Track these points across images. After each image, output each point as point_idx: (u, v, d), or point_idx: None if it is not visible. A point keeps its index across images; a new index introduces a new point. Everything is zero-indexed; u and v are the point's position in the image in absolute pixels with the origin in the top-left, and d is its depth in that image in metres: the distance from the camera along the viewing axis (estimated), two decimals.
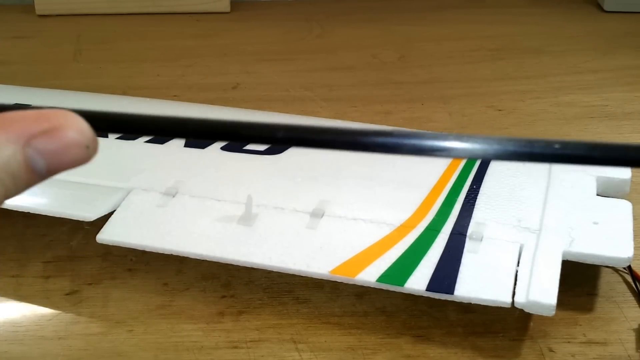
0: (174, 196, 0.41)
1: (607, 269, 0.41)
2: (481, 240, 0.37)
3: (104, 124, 0.20)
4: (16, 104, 0.19)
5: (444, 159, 0.19)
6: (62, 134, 0.19)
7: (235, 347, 0.36)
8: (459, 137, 0.19)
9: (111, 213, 0.40)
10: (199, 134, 0.20)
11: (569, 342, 0.36)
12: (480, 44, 0.73)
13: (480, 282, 0.34)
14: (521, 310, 0.34)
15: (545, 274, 0.35)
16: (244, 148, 0.46)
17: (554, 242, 0.37)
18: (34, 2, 0.81)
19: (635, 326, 0.37)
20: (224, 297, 0.39)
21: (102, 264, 0.42)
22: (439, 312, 0.38)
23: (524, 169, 0.43)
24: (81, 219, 0.39)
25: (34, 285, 0.40)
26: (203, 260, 0.38)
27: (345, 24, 0.79)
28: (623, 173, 0.42)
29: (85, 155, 0.19)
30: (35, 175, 0.19)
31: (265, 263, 0.37)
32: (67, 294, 0.40)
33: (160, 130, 0.20)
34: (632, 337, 0.36)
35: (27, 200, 0.41)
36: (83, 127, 0.19)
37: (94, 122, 0.19)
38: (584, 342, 0.36)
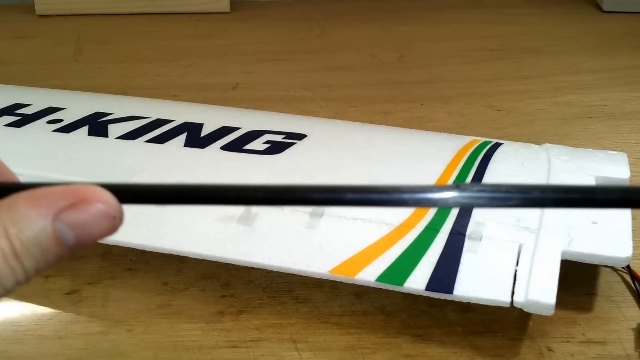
0: None
1: (606, 268, 0.41)
2: (480, 239, 0.37)
3: (129, 195, 0.20)
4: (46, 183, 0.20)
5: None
6: (90, 206, 0.19)
7: (235, 347, 0.36)
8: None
9: None
10: (226, 201, 0.20)
11: (568, 341, 0.36)
12: (479, 44, 0.73)
13: (479, 281, 0.35)
14: (520, 310, 0.34)
15: (544, 274, 0.35)
16: (244, 148, 0.46)
17: (553, 241, 0.37)
18: (34, 2, 0.81)
19: (634, 325, 0.37)
20: (223, 296, 0.40)
21: (101, 263, 0.42)
22: (438, 312, 0.38)
23: (523, 169, 0.43)
24: None
25: (34, 284, 0.41)
26: (203, 259, 0.38)
27: (345, 24, 0.79)
28: (622, 173, 0.42)
29: (112, 225, 0.20)
30: (64, 247, 0.20)
31: (264, 262, 0.37)
32: (66, 294, 0.40)
33: (183, 198, 0.21)
34: (631, 336, 0.37)
35: None
36: (109, 199, 0.20)
37: (119, 194, 0.20)
38: (583, 342, 0.36)
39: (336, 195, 0.20)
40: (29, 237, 0.19)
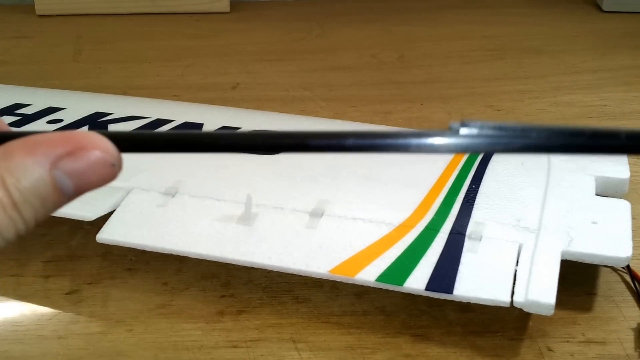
0: (173, 196, 0.41)
1: (606, 268, 0.41)
2: (480, 239, 0.37)
3: (127, 143, 0.20)
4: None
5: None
6: (88, 153, 0.19)
7: (235, 347, 0.36)
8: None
9: (111, 213, 0.40)
10: (219, 147, 0.20)
11: (567, 341, 0.36)
12: (479, 44, 0.73)
13: (479, 281, 0.35)
14: (520, 310, 0.34)
15: (544, 274, 0.35)
16: None
17: (552, 241, 0.37)
18: (34, 2, 0.81)
19: (634, 325, 0.37)
20: (223, 296, 0.40)
21: (101, 263, 0.42)
22: (438, 312, 0.38)
23: (523, 169, 0.43)
24: (81, 219, 0.39)
25: (34, 284, 0.41)
26: (203, 259, 0.38)
27: (345, 24, 0.79)
28: (622, 173, 0.42)
29: (111, 173, 0.19)
30: (63, 195, 0.19)
31: (264, 262, 0.37)
32: (67, 294, 0.40)
33: (181, 146, 0.21)
34: (631, 336, 0.37)
35: None
36: (107, 146, 0.19)
37: (117, 142, 0.20)
38: (582, 342, 0.36)
39: (336, 141, 0.20)
40: (27, 187, 0.18)
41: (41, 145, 0.19)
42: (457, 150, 0.19)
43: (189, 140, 0.20)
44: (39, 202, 0.19)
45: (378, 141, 0.19)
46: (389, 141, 0.19)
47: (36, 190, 0.19)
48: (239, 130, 0.17)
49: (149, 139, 0.20)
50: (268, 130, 0.20)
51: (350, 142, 0.20)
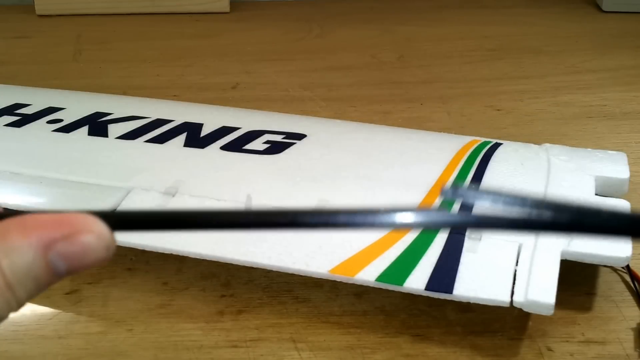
0: (173, 196, 0.41)
1: (605, 268, 0.41)
2: (480, 239, 0.37)
3: (121, 223, 0.20)
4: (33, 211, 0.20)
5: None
6: (82, 238, 0.19)
7: (235, 346, 0.36)
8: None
9: None
10: (211, 226, 0.20)
11: (567, 341, 0.36)
12: (479, 44, 0.73)
13: (479, 281, 0.35)
14: (520, 310, 0.34)
15: (544, 273, 0.35)
16: (244, 148, 0.46)
17: (552, 241, 0.37)
18: (34, 2, 0.81)
19: (634, 325, 0.37)
20: (223, 296, 0.40)
21: None
22: (438, 311, 0.38)
23: (523, 169, 0.43)
24: None
25: None
26: (202, 259, 0.38)
27: (345, 24, 0.79)
28: (622, 173, 0.42)
29: (105, 256, 0.20)
30: (55, 276, 0.20)
31: (264, 262, 0.37)
32: (67, 293, 0.40)
33: (174, 225, 0.21)
34: (630, 336, 0.37)
35: (27, 200, 0.41)
36: (101, 230, 0.20)
37: (111, 222, 0.20)
38: (582, 341, 0.36)
39: (327, 218, 0.20)
40: (22, 269, 0.19)
41: (37, 227, 0.19)
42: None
43: (182, 218, 0.20)
44: (32, 283, 0.19)
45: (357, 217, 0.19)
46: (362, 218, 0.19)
47: (30, 273, 0.19)
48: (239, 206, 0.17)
49: (145, 218, 0.21)
50: (265, 209, 0.20)
51: (342, 219, 0.19)
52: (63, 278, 0.20)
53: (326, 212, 0.19)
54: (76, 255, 0.19)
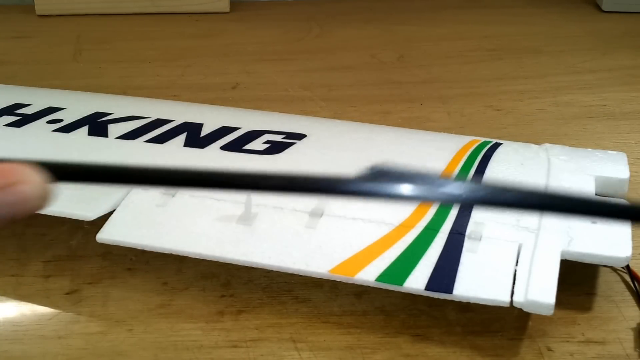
0: (173, 196, 0.41)
1: (605, 268, 0.41)
2: (480, 239, 0.37)
3: (61, 173, 0.22)
4: None
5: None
6: (19, 189, 0.21)
7: (235, 346, 0.36)
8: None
9: (111, 212, 0.40)
10: (151, 181, 0.23)
11: (567, 341, 0.36)
12: (479, 44, 0.73)
13: (479, 281, 0.35)
14: (520, 310, 0.34)
15: (544, 273, 0.35)
16: (244, 148, 0.46)
17: (552, 241, 0.37)
18: (34, 2, 0.81)
19: (634, 325, 0.37)
20: (223, 296, 0.40)
21: (102, 263, 0.42)
22: (438, 312, 0.38)
23: (523, 169, 0.43)
24: (81, 219, 0.39)
25: (34, 284, 0.41)
26: (202, 259, 0.38)
27: (345, 24, 0.79)
28: (622, 173, 0.42)
29: (40, 205, 0.21)
30: None
31: (264, 262, 0.37)
32: (67, 293, 0.40)
33: (116, 178, 0.22)
34: (630, 336, 0.37)
35: None
36: (36, 181, 0.21)
37: (51, 171, 0.21)
38: (582, 342, 0.36)
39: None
40: None
41: None
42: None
43: (124, 172, 0.22)
44: None
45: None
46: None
47: None
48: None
49: (85, 170, 0.22)
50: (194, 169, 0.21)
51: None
52: (7, 226, 0.21)
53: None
54: (13, 204, 0.21)
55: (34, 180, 0.21)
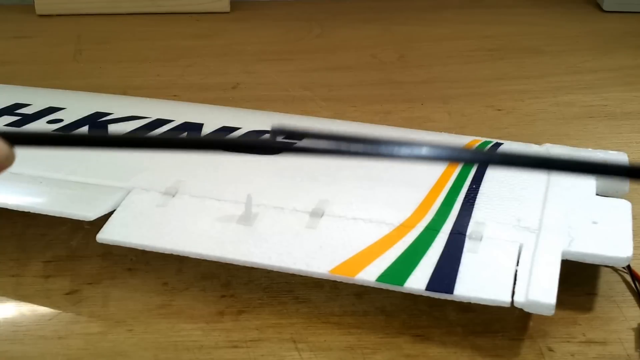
0: (174, 196, 0.41)
1: (606, 268, 0.41)
2: (481, 239, 0.37)
3: (21, 140, 0.25)
4: None
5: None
6: None
7: (235, 347, 0.36)
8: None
9: (111, 213, 0.40)
10: (105, 144, 0.26)
11: (568, 341, 0.36)
12: (479, 44, 0.73)
13: (479, 281, 0.35)
14: (521, 310, 0.34)
15: (545, 274, 0.35)
16: None
17: (553, 241, 0.37)
18: (34, 2, 0.81)
19: (635, 325, 0.37)
20: (223, 296, 0.40)
21: (102, 263, 0.42)
22: (439, 312, 0.38)
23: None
24: (81, 219, 0.39)
25: (34, 284, 0.41)
26: (203, 259, 0.38)
27: (345, 23, 0.79)
28: None
29: (6, 164, 0.24)
30: None
31: (265, 262, 0.37)
32: (67, 294, 0.40)
33: (65, 142, 0.25)
34: (631, 336, 0.36)
35: (27, 200, 0.41)
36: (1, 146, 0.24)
37: (10, 139, 0.24)
38: (583, 342, 0.36)
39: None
40: None
41: None
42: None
43: (67, 138, 0.25)
44: None
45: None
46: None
47: None
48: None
49: (41, 137, 0.25)
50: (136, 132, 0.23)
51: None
52: None
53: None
54: None
55: None
